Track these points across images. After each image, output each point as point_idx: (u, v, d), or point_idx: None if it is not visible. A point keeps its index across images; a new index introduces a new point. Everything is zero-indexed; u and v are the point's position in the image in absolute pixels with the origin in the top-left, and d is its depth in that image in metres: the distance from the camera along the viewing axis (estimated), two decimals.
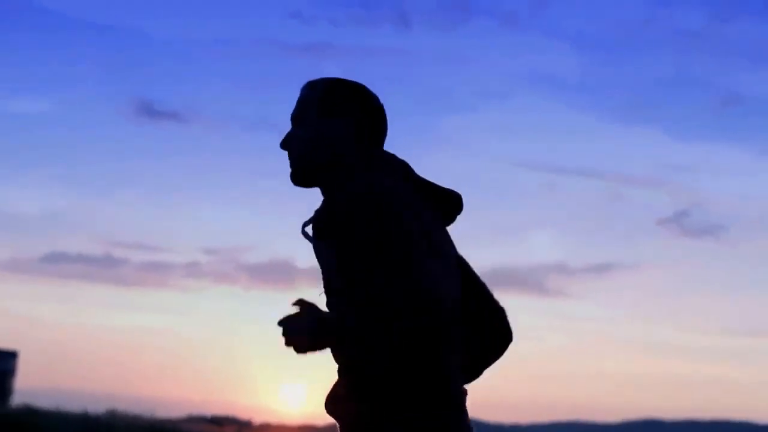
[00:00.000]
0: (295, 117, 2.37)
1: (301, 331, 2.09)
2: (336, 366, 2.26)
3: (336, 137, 2.31)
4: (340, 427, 2.25)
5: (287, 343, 2.10)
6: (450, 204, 2.32)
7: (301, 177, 2.35)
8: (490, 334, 2.28)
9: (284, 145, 2.37)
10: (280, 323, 2.11)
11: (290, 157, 2.36)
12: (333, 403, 2.26)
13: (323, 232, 2.21)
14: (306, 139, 2.33)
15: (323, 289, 2.28)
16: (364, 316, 2.08)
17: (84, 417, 21.09)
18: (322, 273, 2.27)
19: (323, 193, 2.34)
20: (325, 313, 2.14)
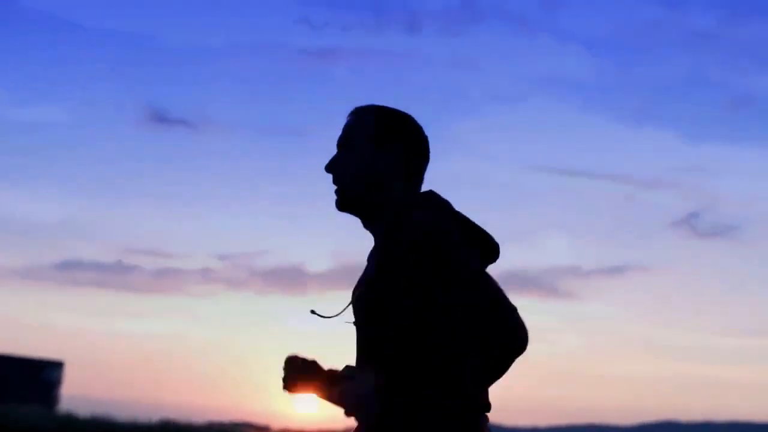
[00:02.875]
0: (343, 143, 2.39)
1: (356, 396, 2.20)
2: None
3: (386, 170, 2.34)
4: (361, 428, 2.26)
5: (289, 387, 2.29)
6: (488, 247, 2.33)
7: (348, 205, 2.37)
8: (506, 336, 2.23)
9: (330, 169, 2.38)
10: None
11: (337, 182, 2.37)
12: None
13: (386, 266, 2.23)
14: (356, 168, 2.35)
15: (353, 322, 2.31)
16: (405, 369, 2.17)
17: (134, 426, 21.21)
18: (361, 306, 2.28)
19: (365, 223, 2.38)
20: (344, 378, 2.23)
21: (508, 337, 2.19)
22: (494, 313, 2.17)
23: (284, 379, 2.28)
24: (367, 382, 2.18)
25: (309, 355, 2.29)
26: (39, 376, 31.83)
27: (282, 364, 2.29)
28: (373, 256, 2.34)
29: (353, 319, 2.31)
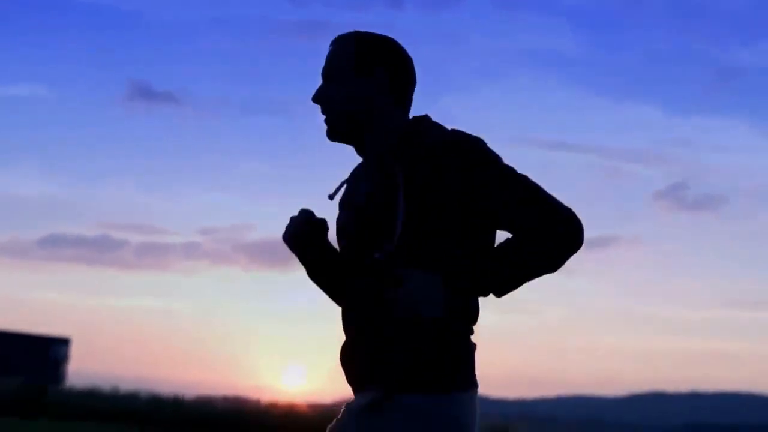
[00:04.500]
0: (327, 73, 2.40)
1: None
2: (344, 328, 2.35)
3: (371, 94, 2.35)
4: (353, 378, 2.32)
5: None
6: None
7: (339, 133, 2.38)
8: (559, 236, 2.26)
9: (317, 99, 2.40)
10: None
11: (325, 113, 2.39)
12: (350, 359, 2.32)
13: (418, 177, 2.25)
14: (344, 96, 2.36)
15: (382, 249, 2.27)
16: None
17: (155, 400, 21.30)
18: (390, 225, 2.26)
19: (358, 147, 2.40)
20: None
21: (573, 229, 2.25)
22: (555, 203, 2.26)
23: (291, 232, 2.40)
24: (427, 279, 2.20)
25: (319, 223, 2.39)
26: (46, 353, 32.13)
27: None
28: (369, 177, 2.36)
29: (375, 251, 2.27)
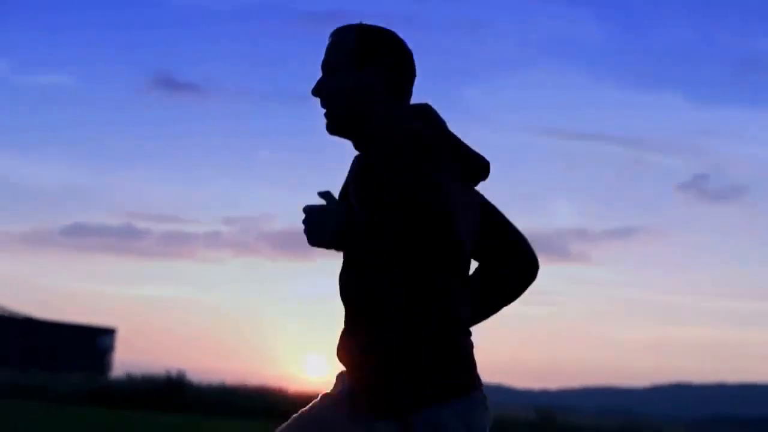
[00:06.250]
0: (327, 65, 2.37)
1: (327, 225, 2.18)
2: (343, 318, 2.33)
3: (370, 87, 2.32)
4: (351, 375, 2.30)
5: (310, 234, 2.20)
6: (475, 164, 2.32)
7: (338, 127, 2.35)
8: (512, 265, 2.35)
9: (316, 92, 2.37)
10: (306, 210, 2.22)
11: (325, 106, 2.36)
12: (346, 352, 2.30)
13: (365, 184, 2.22)
14: (340, 89, 2.33)
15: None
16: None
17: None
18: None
19: (356, 144, 2.36)
20: (355, 215, 2.20)
21: (521, 262, 2.31)
22: (501, 236, 2.30)
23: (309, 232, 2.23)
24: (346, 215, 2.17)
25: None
26: (92, 344, 32.26)
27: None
28: (354, 170, 2.32)
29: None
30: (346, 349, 2.29)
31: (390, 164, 2.17)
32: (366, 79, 2.32)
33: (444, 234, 2.12)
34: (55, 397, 19.76)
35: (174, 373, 20.77)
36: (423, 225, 2.10)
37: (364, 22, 2.38)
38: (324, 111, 2.36)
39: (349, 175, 2.34)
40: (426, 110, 2.33)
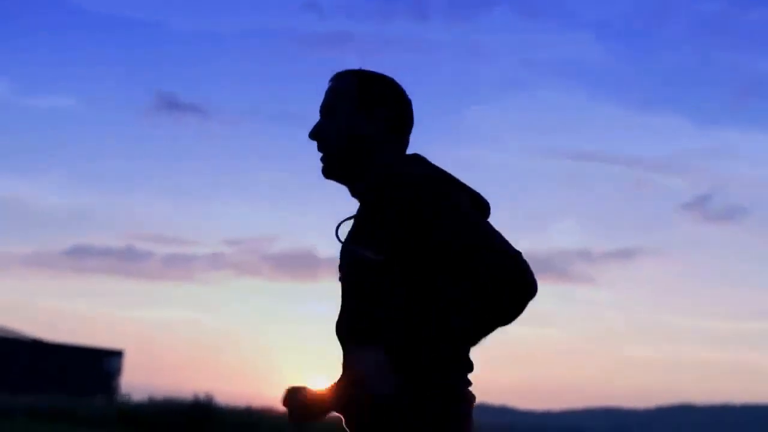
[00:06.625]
0: (327, 108, 2.35)
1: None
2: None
3: (370, 134, 2.30)
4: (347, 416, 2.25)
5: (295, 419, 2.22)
6: (482, 201, 2.29)
7: (333, 172, 2.34)
8: (507, 284, 2.08)
9: (314, 135, 2.34)
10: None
11: (322, 149, 2.34)
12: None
13: (373, 223, 2.21)
14: (339, 133, 2.31)
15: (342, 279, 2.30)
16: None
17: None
18: (350, 267, 2.27)
19: (352, 191, 2.34)
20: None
21: (519, 280, 2.06)
22: (500, 255, 2.07)
23: (290, 414, 2.24)
24: (377, 358, 2.09)
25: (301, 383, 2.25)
26: (100, 366, 32.12)
27: (290, 390, 2.26)
28: (356, 218, 2.31)
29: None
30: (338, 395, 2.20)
31: (393, 213, 2.14)
32: (366, 125, 2.31)
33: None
34: (78, 420, 19.50)
35: (202, 396, 20.69)
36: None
37: (364, 68, 2.38)
38: (321, 155, 2.35)
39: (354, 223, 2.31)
40: (421, 158, 2.31)
